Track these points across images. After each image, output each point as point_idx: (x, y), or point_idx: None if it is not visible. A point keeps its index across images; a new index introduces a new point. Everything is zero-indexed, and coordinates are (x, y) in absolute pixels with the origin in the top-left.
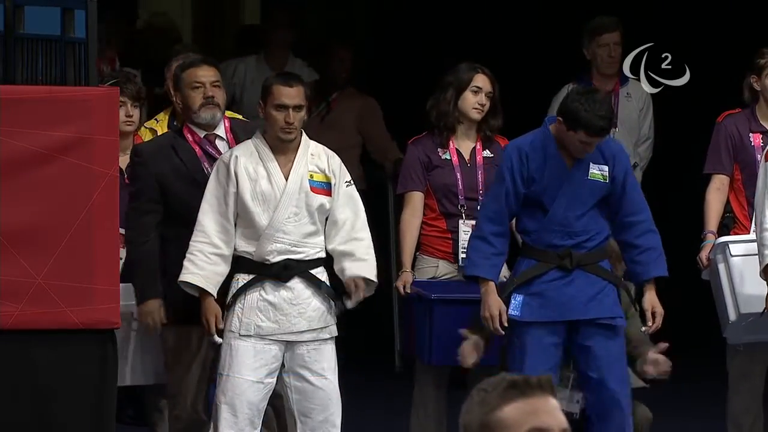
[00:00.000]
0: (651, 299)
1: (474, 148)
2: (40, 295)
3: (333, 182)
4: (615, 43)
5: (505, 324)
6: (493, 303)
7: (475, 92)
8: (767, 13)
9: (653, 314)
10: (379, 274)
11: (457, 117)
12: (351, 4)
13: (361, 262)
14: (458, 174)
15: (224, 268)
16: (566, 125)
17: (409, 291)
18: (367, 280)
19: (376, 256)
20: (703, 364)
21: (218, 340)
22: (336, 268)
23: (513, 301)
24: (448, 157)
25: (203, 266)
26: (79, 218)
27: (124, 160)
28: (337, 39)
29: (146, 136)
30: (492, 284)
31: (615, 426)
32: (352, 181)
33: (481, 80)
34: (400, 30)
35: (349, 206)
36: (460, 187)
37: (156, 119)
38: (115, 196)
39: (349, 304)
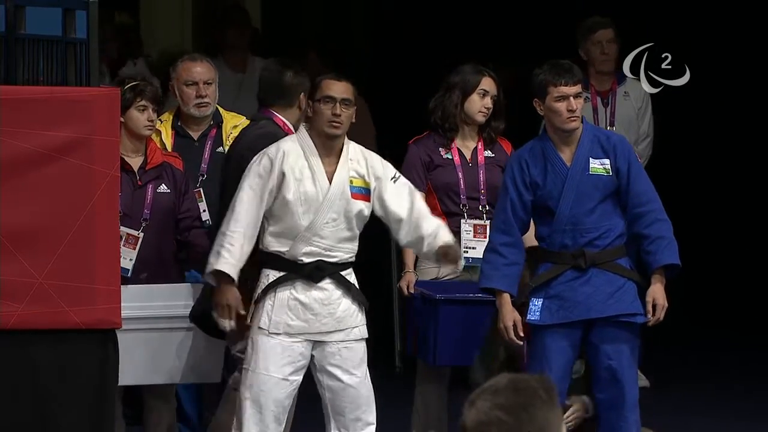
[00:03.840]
0: (654, 291)
1: (476, 147)
2: (41, 295)
3: (372, 187)
4: (608, 41)
5: (521, 334)
6: (507, 314)
7: (482, 95)
8: (767, 13)
9: (654, 306)
10: (379, 275)
11: (463, 119)
12: (349, 6)
13: (443, 231)
14: (460, 173)
15: (245, 260)
16: (540, 97)
17: (412, 291)
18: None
19: (375, 256)
20: None
21: (232, 325)
22: (421, 250)
23: (532, 306)
24: (450, 157)
25: (238, 256)
26: (80, 218)
27: (137, 162)
28: (312, 43)
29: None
30: (506, 296)
31: (626, 425)
32: (397, 174)
33: (487, 83)
34: (399, 31)
35: (405, 198)
36: (462, 186)
37: (160, 119)
38: (116, 196)
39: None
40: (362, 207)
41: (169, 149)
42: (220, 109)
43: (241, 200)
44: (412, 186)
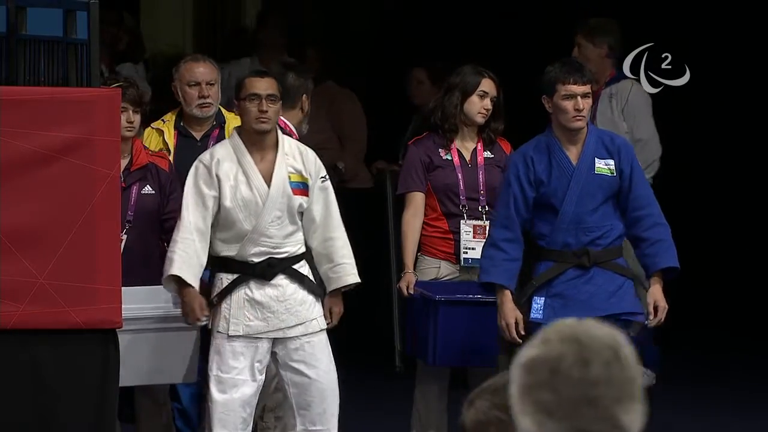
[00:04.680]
0: (654, 293)
1: (475, 148)
2: (42, 294)
3: (310, 183)
4: (577, 44)
5: (522, 332)
6: (508, 312)
7: (482, 97)
8: (767, 13)
9: (655, 308)
10: (378, 275)
11: (462, 120)
12: (350, 6)
13: (340, 267)
14: (459, 174)
15: (203, 264)
16: (548, 95)
17: (412, 292)
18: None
19: (375, 256)
20: None
21: (204, 321)
22: (319, 269)
23: (534, 305)
24: (449, 158)
25: (194, 261)
26: (81, 218)
27: (122, 163)
28: (312, 42)
29: (152, 137)
30: (507, 292)
31: None
32: (327, 176)
33: (487, 85)
34: (399, 31)
35: (322, 202)
36: (462, 187)
37: (163, 119)
38: (117, 196)
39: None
40: (302, 201)
41: (172, 149)
42: (223, 110)
43: (186, 206)
44: (331, 192)
